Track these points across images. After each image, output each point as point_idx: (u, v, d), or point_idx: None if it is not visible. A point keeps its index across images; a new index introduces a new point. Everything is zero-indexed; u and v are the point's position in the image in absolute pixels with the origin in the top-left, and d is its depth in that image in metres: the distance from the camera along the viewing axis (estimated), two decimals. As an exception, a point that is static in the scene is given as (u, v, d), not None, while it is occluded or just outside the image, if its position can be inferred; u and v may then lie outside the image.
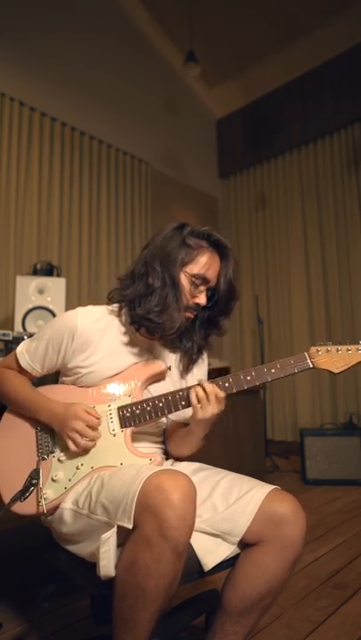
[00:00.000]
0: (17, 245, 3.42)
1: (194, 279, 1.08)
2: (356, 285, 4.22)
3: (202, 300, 1.10)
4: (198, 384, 1.03)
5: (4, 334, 2.40)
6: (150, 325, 1.07)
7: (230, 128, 5.43)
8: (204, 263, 1.08)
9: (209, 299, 1.12)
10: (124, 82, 4.33)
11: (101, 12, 4.16)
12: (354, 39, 4.26)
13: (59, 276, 3.08)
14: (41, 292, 2.78)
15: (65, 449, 1.05)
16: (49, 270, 3.05)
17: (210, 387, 1.01)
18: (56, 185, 3.70)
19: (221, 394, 1.02)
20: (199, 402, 1.01)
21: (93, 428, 1.02)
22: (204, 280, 1.09)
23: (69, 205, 3.81)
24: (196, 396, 1.01)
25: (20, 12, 3.54)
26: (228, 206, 5.45)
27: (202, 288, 1.10)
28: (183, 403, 1.05)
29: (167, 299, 1.05)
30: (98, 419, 1.03)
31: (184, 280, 1.08)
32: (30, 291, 2.75)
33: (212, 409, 1.01)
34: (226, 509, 0.97)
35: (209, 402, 1.01)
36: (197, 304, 1.10)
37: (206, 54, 4.40)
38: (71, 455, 1.04)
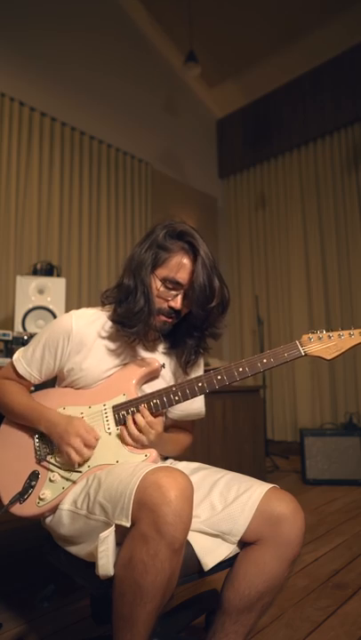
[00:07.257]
0: (17, 245, 3.42)
1: (165, 282, 1.07)
2: (357, 285, 4.22)
3: (176, 303, 1.07)
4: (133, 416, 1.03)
5: (4, 334, 2.41)
6: (125, 330, 1.06)
7: (230, 128, 5.43)
8: (173, 266, 1.06)
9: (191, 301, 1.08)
10: (124, 82, 4.33)
11: (101, 12, 4.16)
12: (354, 39, 4.27)
13: (59, 276, 3.08)
14: (41, 292, 2.78)
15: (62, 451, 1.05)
16: (49, 270, 3.05)
17: (140, 418, 1.02)
18: (56, 185, 3.70)
19: (150, 418, 1.02)
20: (133, 439, 1.02)
21: (90, 447, 1.02)
22: (176, 283, 1.06)
23: (69, 205, 3.81)
24: (129, 434, 1.02)
25: (20, 13, 3.54)
26: (228, 206, 5.45)
27: (174, 292, 1.07)
28: (177, 398, 1.05)
29: (138, 303, 1.04)
30: (97, 438, 1.03)
31: (155, 284, 1.07)
32: (30, 291, 2.75)
33: (146, 439, 1.02)
34: (224, 509, 0.97)
35: (143, 433, 1.02)
36: (172, 308, 1.08)
37: (206, 54, 4.40)
38: None
